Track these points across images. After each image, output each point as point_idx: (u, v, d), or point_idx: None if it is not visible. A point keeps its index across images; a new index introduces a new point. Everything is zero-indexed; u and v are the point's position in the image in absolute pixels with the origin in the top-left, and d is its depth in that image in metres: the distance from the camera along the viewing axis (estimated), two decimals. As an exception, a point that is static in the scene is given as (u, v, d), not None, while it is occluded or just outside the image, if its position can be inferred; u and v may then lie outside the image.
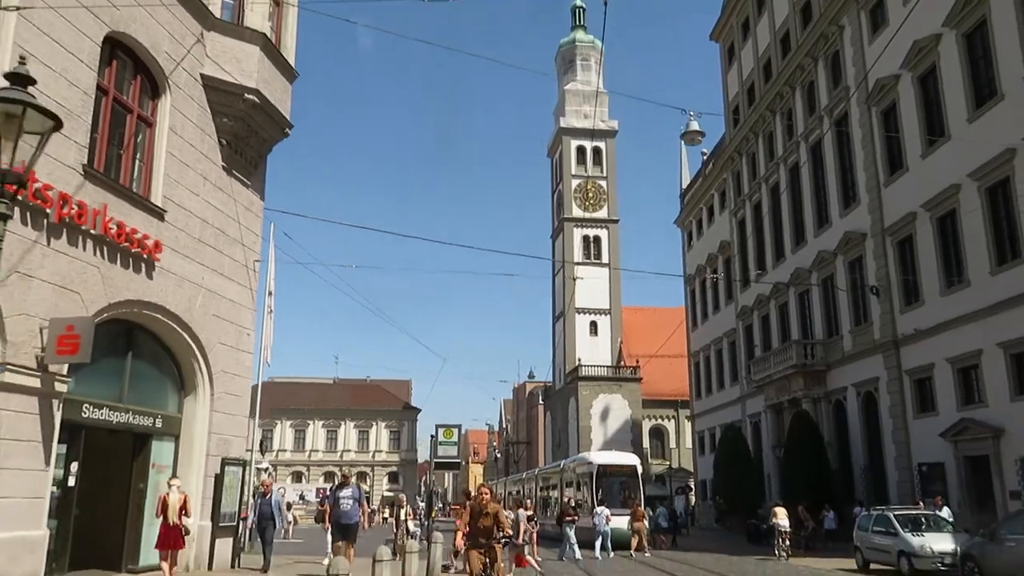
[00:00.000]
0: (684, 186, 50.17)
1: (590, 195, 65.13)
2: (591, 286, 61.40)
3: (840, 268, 29.85)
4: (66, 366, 9.95)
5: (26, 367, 9.33)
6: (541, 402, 74.23)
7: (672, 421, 59.14)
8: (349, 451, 73.98)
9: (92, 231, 10.36)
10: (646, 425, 58.94)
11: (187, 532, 11.51)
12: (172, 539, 11.18)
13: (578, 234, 64.53)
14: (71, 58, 10.16)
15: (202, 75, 12.86)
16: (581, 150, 66.24)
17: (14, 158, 4.70)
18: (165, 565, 11.18)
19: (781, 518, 22.71)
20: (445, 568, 15.57)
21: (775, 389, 33.61)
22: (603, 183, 65.67)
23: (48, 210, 9.60)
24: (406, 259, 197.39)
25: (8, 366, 9.05)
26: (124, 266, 11.07)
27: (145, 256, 11.38)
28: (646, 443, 57.86)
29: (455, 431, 22.72)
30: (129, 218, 11.16)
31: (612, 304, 63.16)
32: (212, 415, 13.20)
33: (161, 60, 11.97)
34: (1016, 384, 20.61)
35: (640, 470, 28.25)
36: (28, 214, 9.42)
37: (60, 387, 9.91)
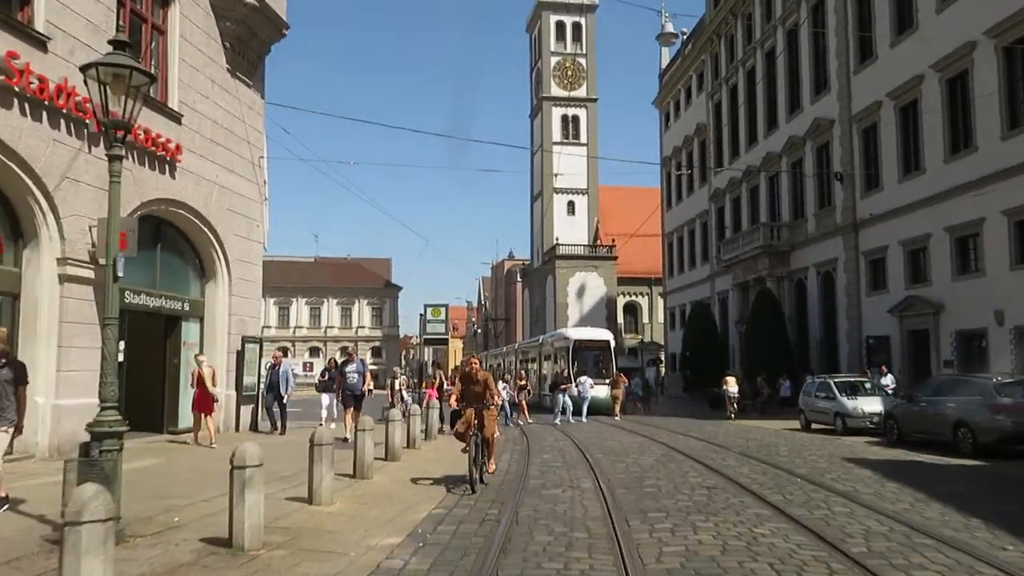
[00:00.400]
0: (663, 66, 50.50)
1: (569, 73, 64.95)
2: (569, 166, 62.32)
3: (808, 154, 31.33)
4: (111, 259, 11.40)
5: (82, 261, 10.79)
6: (519, 279, 76.61)
7: (645, 298, 61.90)
8: (332, 327, 76.57)
9: (124, 138, 11.55)
10: (620, 301, 61.69)
11: (216, 400, 13.37)
12: (205, 404, 13.02)
13: (557, 113, 64.83)
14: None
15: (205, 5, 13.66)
16: (560, 26, 65.43)
17: (125, 109, 5.99)
18: (205, 424, 13.07)
19: (731, 385, 25.53)
20: (441, 430, 17.77)
21: (742, 269, 35.77)
22: (582, 60, 65.36)
23: (87, 120, 10.77)
24: (392, 153, 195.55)
25: (69, 260, 10.50)
26: (151, 168, 12.32)
27: (168, 158, 12.61)
28: (620, 318, 60.78)
29: (442, 310, 24.69)
30: (152, 123, 12.31)
31: (590, 184, 64.40)
32: (231, 299, 14.84)
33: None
34: (958, 265, 22.72)
35: (613, 344, 30.63)
36: (72, 125, 10.59)
37: (108, 277, 11.41)
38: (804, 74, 31.85)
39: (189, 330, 14.27)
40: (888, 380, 22.51)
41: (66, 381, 10.72)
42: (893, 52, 25.92)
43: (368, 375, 16.21)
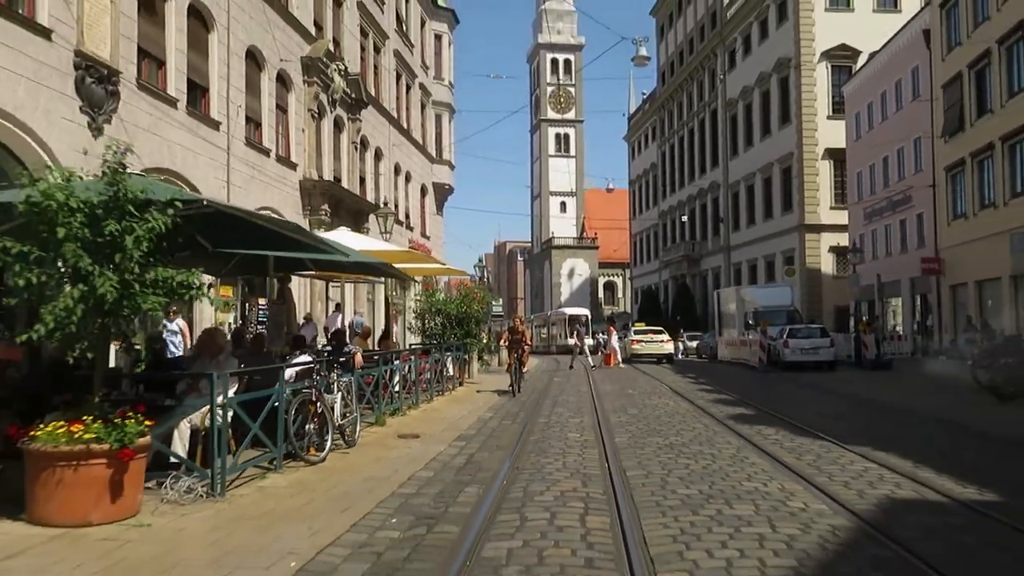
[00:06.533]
0: (631, 111, 75.90)
1: (561, 100, 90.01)
2: (561, 173, 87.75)
3: (708, 201, 57.20)
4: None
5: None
6: (521, 259, 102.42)
7: (620, 278, 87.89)
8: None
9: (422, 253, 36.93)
10: (601, 281, 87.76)
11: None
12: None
13: (552, 132, 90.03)
14: (418, 200, 36.46)
15: (433, 183, 38.79)
16: (555, 62, 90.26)
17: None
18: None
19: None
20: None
21: (674, 267, 61.89)
22: (572, 89, 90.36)
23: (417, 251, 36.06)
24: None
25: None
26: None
27: (426, 253, 38.06)
28: (601, 294, 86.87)
29: (500, 300, 50.34)
30: (426, 244, 37.75)
31: (577, 188, 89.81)
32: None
33: (428, 185, 38.06)
34: (767, 278, 48.69)
35: (589, 317, 56.78)
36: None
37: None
38: (707, 151, 57.56)
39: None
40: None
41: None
42: (746, 154, 51.64)
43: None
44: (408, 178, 35.04)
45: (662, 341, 36.87)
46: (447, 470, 8.34)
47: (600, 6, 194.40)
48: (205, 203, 6.38)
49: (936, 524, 5.97)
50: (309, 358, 9.69)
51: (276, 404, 7.88)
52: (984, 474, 7.81)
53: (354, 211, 26.45)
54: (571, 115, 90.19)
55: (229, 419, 7.14)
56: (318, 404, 8.66)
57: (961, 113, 28.62)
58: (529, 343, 22.68)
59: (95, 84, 14.02)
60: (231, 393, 7.41)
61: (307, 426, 8.48)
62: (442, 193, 40.08)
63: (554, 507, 6.57)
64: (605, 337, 36.07)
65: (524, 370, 20.17)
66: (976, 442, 10.40)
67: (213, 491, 6.74)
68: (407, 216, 34.52)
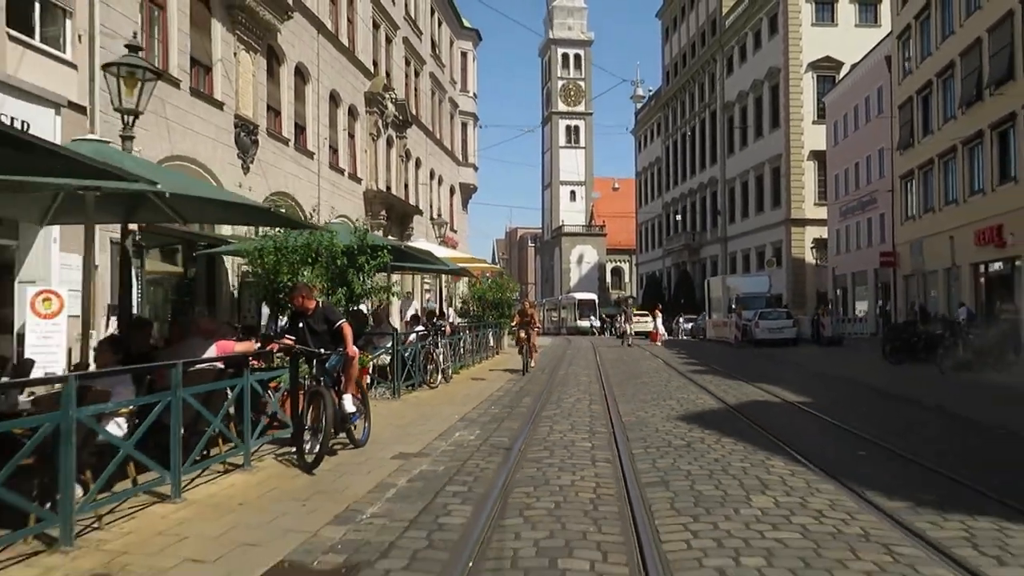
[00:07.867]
0: (638, 107, 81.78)
1: (571, 93, 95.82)
2: (571, 164, 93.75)
3: (708, 195, 63.28)
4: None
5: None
6: (532, 246, 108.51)
7: (627, 264, 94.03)
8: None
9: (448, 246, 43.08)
10: (608, 267, 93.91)
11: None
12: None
13: (562, 124, 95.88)
14: (447, 199, 42.61)
15: (459, 183, 44.90)
16: (565, 56, 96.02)
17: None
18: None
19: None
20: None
21: (675, 255, 68.06)
22: (581, 83, 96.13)
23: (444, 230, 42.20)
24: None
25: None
26: (449, 248, 43.95)
27: (453, 246, 44.18)
28: (608, 280, 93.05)
29: (519, 286, 56.56)
30: (454, 237, 43.91)
31: (586, 177, 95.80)
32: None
33: (456, 186, 44.19)
34: (758, 267, 54.80)
35: (597, 301, 63.04)
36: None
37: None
38: (707, 148, 63.58)
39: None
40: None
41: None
42: (742, 153, 57.67)
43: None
44: (440, 181, 41.25)
45: (648, 321, 44.56)
46: (510, 393, 14.64)
47: (608, 6, 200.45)
48: (404, 247, 12.64)
49: (764, 408, 12.23)
50: (422, 328, 15.99)
51: (412, 353, 14.19)
52: (820, 396, 14.02)
53: (401, 214, 32.68)
54: (581, 108, 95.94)
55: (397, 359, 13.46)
56: (432, 354, 14.97)
57: (912, 131, 34.61)
58: (538, 325, 26.52)
59: (245, 136, 20.23)
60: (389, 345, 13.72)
61: (428, 367, 14.79)
62: (467, 192, 46.29)
63: (574, 402, 12.88)
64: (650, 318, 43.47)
65: (534, 352, 22.76)
66: (840, 384, 16.60)
67: (394, 395, 13.07)
68: (439, 214, 40.71)
